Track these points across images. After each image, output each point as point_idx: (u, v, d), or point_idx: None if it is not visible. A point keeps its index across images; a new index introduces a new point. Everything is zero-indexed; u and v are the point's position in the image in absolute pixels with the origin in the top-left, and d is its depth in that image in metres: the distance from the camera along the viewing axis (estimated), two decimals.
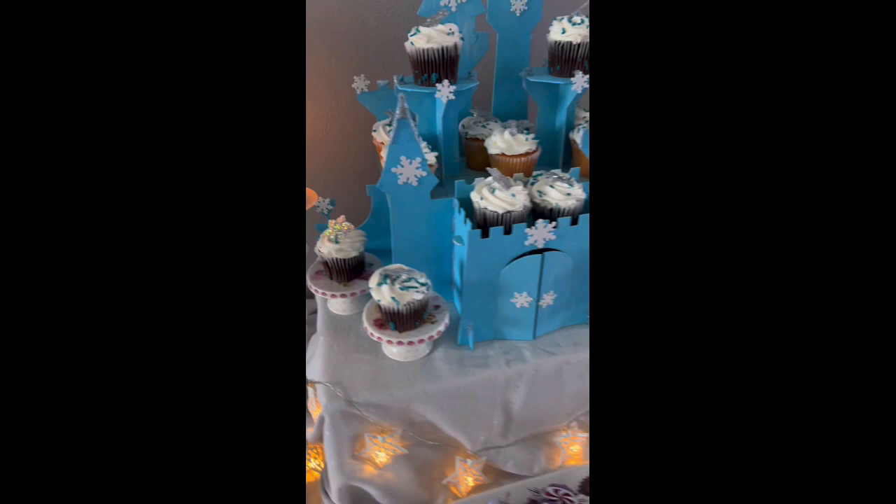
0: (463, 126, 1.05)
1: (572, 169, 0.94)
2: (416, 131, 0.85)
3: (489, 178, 0.86)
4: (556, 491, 0.81)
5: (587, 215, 0.85)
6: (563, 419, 0.99)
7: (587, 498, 0.81)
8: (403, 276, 0.83)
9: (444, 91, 0.86)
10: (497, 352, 0.92)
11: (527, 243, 0.83)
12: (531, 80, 0.97)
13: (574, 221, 0.84)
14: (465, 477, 0.96)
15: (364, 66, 1.09)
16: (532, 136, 0.97)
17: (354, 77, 1.01)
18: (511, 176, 0.91)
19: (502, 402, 0.92)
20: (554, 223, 0.82)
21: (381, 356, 0.91)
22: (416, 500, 0.94)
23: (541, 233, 0.82)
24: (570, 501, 0.80)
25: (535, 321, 0.93)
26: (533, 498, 0.84)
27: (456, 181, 0.91)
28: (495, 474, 0.99)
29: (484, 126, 1.02)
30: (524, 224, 0.82)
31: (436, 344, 0.93)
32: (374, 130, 1.04)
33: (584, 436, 1.01)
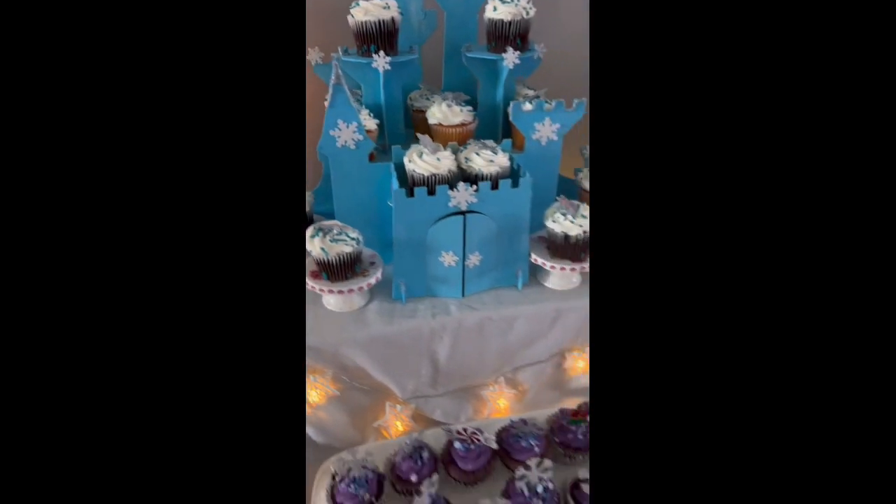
0: (410, 99, 1.12)
1: (504, 140, 1.01)
2: (353, 98, 0.92)
3: (420, 145, 0.93)
4: (465, 430, 0.89)
5: (508, 181, 0.92)
6: (489, 374, 1.06)
7: (493, 437, 0.88)
8: (335, 231, 0.90)
9: (380, 61, 0.93)
10: (426, 306, 0.99)
11: (450, 205, 0.90)
12: (469, 55, 1.04)
13: (494, 186, 0.91)
14: (395, 421, 1.04)
15: (320, 39, 1.16)
16: (469, 108, 1.04)
17: (309, 49, 1.08)
18: (446, 144, 0.98)
19: (429, 353, 0.99)
20: (475, 187, 0.89)
21: (319, 306, 0.99)
22: (348, 438, 1.02)
23: (462, 195, 0.89)
24: (478, 439, 0.88)
25: (464, 280, 1.01)
26: (448, 438, 0.92)
27: (393, 146, 0.98)
28: (425, 422, 1.07)
29: (428, 99, 1.09)
30: (447, 186, 0.89)
31: (372, 298, 1.01)
32: (326, 100, 1.11)
33: (510, 391, 1.08)
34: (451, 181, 0.92)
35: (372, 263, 0.99)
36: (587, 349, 1.08)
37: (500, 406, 1.09)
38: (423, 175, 0.90)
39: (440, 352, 1.00)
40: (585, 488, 0.82)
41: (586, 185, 1.13)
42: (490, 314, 0.99)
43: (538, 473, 0.81)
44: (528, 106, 0.99)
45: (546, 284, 1.05)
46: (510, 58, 0.97)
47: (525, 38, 1.01)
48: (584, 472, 0.84)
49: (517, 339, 1.03)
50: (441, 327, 0.97)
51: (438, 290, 1.02)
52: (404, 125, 1.12)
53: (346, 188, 1.00)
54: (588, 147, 1.19)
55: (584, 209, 0.98)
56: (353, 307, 0.98)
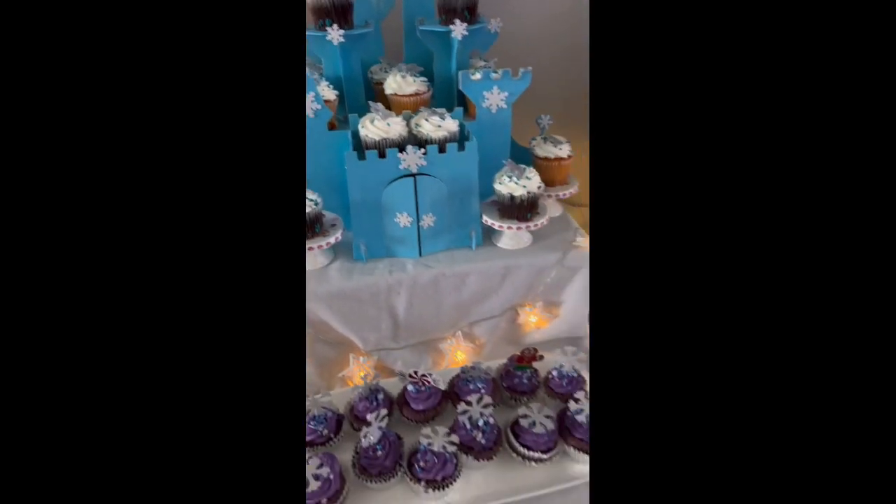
0: (371, 72, 1.19)
1: (456, 108, 1.08)
2: (315, 70, 0.99)
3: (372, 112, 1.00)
4: (416, 373, 0.97)
5: (455, 144, 0.99)
6: (447, 328, 1.14)
7: (440, 379, 0.97)
8: None
9: (334, 34, 1.00)
10: (384, 265, 1.07)
11: (401, 167, 0.98)
12: (422, 28, 1.10)
13: (441, 149, 0.98)
14: (359, 372, 1.12)
15: None
16: (424, 79, 1.11)
17: None
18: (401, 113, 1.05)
19: (387, 307, 1.07)
20: (423, 150, 0.96)
21: None
22: (315, 387, 1.11)
23: (412, 158, 0.96)
24: (428, 381, 0.96)
25: (420, 241, 1.08)
26: (401, 382, 1.00)
27: (350, 115, 1.05)
28: (388, 373, 1.15)
29: (387, 72, 1.16)
30: (396, 149, 0.96)
31: (334, 258, 1.09)
32: None
33: (468, 345, 1.16)
34: (401, 145, 0.99)
35: (333, 225, 1.07)
36: (538, 304, 1.15)
37: (458, 359, 1.17)
38: (374, 140, 0.97)
39: (398, 306, 1.07)
40: (523, 422, 0.90)
41: (539, 151, 1.20)
42: (444, 270, 1.07)
43: (479, 409, 0.89)
44: (476, 75, 1.05)
45: (498, 245, 1.13)
46: (458, 29, 1.03)
47: (473, 10, 1.07)
48: (523, 410, 0.92)
49: (470, 294, 1.10)
50: (397, 283, 1.05)
51: (396, 251, 1.09)
52: (365, 97, 1.18)
53: (307, 155, 1.07)
54: (544, 117, 1.25)
55: (529, 172, 1.05)
56: (316, 266, 1.06)
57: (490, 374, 1.01)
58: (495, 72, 1.06)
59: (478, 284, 1.09)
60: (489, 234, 1.14)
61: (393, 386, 1.04)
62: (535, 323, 1.17)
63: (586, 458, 0.88)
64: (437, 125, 0.99)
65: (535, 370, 1.03)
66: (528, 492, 0.85)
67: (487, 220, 1.08)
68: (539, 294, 1.14)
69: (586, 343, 1.20)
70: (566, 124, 1.41)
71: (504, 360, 1.09)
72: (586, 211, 1.65)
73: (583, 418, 0.88)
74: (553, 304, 1.16)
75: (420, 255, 1.10)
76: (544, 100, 1.32)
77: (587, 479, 0.87)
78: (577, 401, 0.91)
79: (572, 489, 0.87)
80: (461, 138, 1.02)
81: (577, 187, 1.22)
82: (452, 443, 0.84)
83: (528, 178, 1.03)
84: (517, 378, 1.01)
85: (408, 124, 1.02)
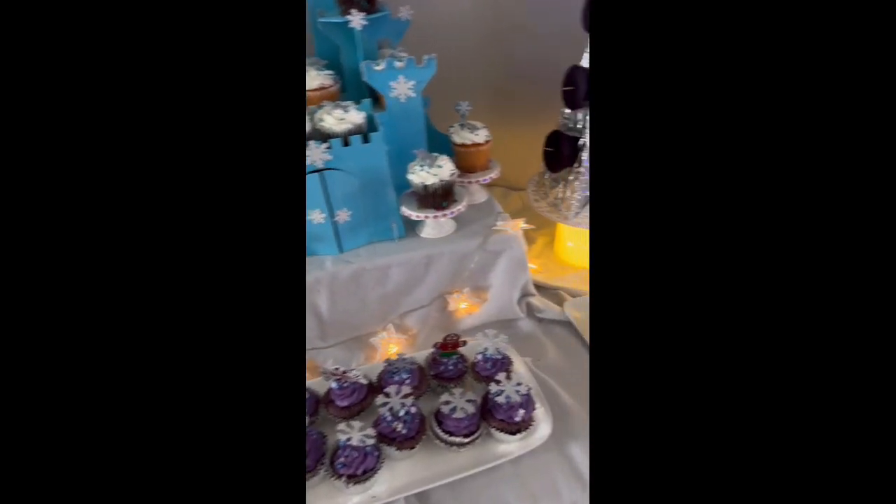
0: None
1: (364, 100, 1.06)
2: None
3: None
4: (337, 369, 0.96)
5: (359, 137, 0.98)
6: (376, 322, 1.14)
7: (361, 373, 0.96)
8: None
9: None
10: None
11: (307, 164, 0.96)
12: (321, 20, 1.08)
13: (346, 143, 0.97)
14: None
15: None
16: (330, 72, 1.09)
17: None
18: None
19: (309, 306, 1.06)
20: (327, 144, 0.95)
21: None
22: None
23: (315, 153, 0.95)
24: (349, 377, 0.95)
25: (338, 237, 1.07)
26: (326, 380, 0.99)
27: None
28: (318, 373, 1.14)
29: None
30: None
31: None
32: None
33: (400, 337, 1.16)
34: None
35: None
36: (466, 290, 1.16)
37: (391, 352, 1.17)
38: None
39: (320, 304, 1.06)
40: (444, 409, 0.90)
41: (456, 138, 1.19)
42: (364, 265, 1.06)
43: (399, 400, 0.89)
44: (379, 65, 1.04)
45: (422, 235, 1.12)
46: (356, 19, 1.02)
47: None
48: (445, 396, 0.92)
49: (395, 286, 1.10)
50: (315, 281, 1.04)
51: (316, 249, 1.08)
52: None
53: None
54: (463, 103, 1.24)
55: (441, 160, 1.04)
56: None
57: (416, 364, 1.01)
58: (399, 60, 1.05)
59: (401, 276, 1.09)
60: (414, 225, 1.14)
61: (320, 385, 1.03)
62: (465, 309, 1.18)
63: (509, 437, 0.89)
64: (339, 118, 0.97)
65: (462, 356, 1.04)
66: (452, 475, 0.86)
67: (405, 210, 1.08)
68: (465, 280, 1.14)
69: (519, 324, 1.21)
70: (492, 110, 1.41)
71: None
72: (524, 194, 1.67)
73: (503, 399, 0.89)
74: (481, 289, 1.17)
75: (341, 250, 1.09)
76: (467, 86, 1.32)
77: (511, 457, 0.88)
78: (497, 382, 0.92)
79: (496, 468, 0.88)
80: (369, 130, 1.01)
81: (499, 172, 1.23)
82: (369, 436, 0.83)
83: (439, 166, 1.02)
84: (443, 365, 1.01)
85: (311, 119, 1.01)
